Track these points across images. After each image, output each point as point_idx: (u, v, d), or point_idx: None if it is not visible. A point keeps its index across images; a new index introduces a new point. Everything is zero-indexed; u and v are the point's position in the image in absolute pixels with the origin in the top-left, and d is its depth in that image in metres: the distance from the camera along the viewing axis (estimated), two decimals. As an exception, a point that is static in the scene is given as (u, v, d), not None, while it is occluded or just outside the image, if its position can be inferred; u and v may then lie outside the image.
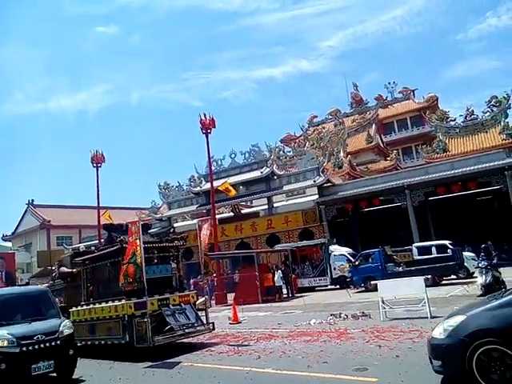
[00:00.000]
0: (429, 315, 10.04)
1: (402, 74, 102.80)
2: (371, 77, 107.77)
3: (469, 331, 4.76)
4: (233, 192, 27.47)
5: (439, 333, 5.09)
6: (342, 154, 35.41)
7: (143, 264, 9.78)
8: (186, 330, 10.03)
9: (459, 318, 5.03)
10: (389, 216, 25.95)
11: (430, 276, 15.97)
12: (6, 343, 7.16)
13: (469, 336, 4.72)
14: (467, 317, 5.00)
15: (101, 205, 33.31)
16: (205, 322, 10.70)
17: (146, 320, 9.32)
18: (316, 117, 52.03)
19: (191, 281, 26.04)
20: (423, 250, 19.43)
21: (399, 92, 49.83)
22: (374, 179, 27.56)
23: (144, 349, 9.39)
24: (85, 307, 11.30)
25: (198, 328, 10.33)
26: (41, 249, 47.58)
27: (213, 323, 10.82)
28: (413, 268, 17.31)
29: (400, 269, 18.15)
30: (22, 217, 55.17)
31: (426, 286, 10.87)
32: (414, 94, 49.48)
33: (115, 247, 10.62)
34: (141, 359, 9.10)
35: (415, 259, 19.14)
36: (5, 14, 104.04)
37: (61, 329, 7.81)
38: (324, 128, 44.52)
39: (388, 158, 38.19)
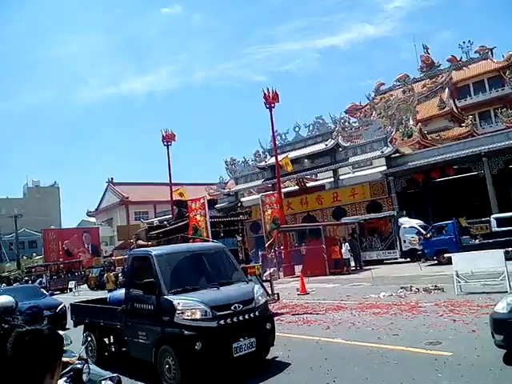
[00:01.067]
0: (508, 289, 9.52)
1: (478, 31, 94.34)
2: (443, 37, 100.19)
3: None
4: (290, 167, 27.45)
5: (502, 307, 5.04)
6: (411, 122, 33.68)
7: (210, 238, 10.37)
8: None
9: None
10: (464, 186, 24.48)
11: (510, 249, 15.00)
12: (198, 315, 5.41)
13: None
14: None
15: (173, 181, 34.90)
16: (270, 292, 11.10)
17: None
18: (383, 84, 49.58)
19: (260, 253, 26.69)
20: (503, 222, 18.14)
21: (475, 52, 45.75)
22: (447, 147, 25.99)
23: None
24: None
25: None
26: (121, 223, 51.31)
27: (278, 294, 11.21)
28: (491, 240, 16.34)
29: (476, 241, 17.25)
30: (104, 194, 59.52)
31: (506, 259, 10.29)
32: (491, 53, 45.17)
33: (184, 222, 11.31)
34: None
35: (494, 231, 18.00)
36: (71, 5, 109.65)
37: (255, 296, 6.10)
38: (392, 95, 42.39)
39: (463, 125, 35.65)
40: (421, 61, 48.13)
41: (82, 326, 7.63)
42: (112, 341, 7.15)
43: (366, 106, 45.75)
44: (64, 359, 3.35)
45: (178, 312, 5.42)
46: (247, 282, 6.64)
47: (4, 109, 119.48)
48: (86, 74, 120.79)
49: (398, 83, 46.91)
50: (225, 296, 5.81)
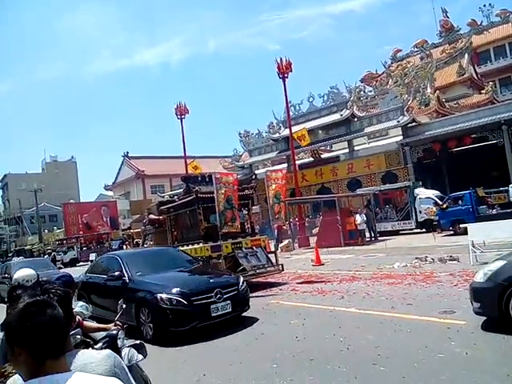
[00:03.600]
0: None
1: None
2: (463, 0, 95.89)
3: (507, 276, 5.00)
4: (307, 140, 27.17)
5: (480, 277, 5.37)
6: (429, 89, 32.79)
7: (220, 210, 10.88)
8: (257, 271, 10.97)
9: (499, 263, 5.29)
10: (482, 155, 24.01)
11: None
12: None
13: (507, 280, 4.96)
14: (507, 262, 5.23)
15: (188, 154, 35.04)
16: (275, 263, 11.56)
17: (220, 261, 10.48)
18: (400, 51, 48.09)
19: (275, 225, 26.95)
20: (522, 191, 17.94)
21: (496, 15, 43.75)
22: (465, 115, 25.40)
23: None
24: None
25: (268, 269, 11.23)
26: (137, 197, 52.13)
27: (282, 265, 11.62)
28: (509, 210, 16.16)
29: (493, 211, 17.09)
30: (120, 168, 60.18)
31: (523, 229, 10.20)
32: (514, 16, 43.24)
33: (191, 197, 11.59)
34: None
35: (512, 201, 17.82)
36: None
37: None
38: (409, 62, 41.12)
39: (482, 92, 34.60)
40: (440, 25, 46.35)
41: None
42: None
43: (382, 74, 44.59)
44: (101, 325, 3.54)
45: None
46: None
47: (20, 83, 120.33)
48: (99, 45, 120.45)
49: (416, 49, 45.46)
50: None
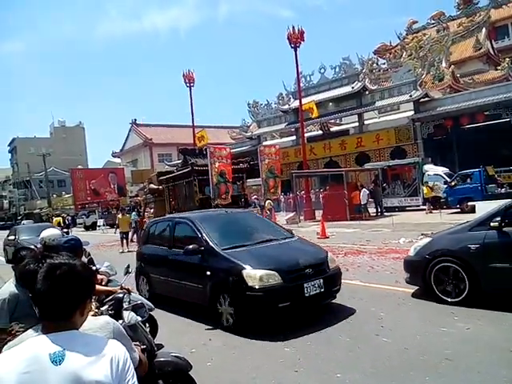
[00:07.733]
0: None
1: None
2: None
3: (431, 250, 5.76)
4: (315, 113, 26.84)
5: (411, 251, 6.16)
6: (443, 64, 32.00)
7: (213, 183, 11.14)
8: None
9: (427, 240, 6.08)
10: (494, 133, 23.59)
11: (537, 199, 14.73)
12: None
13: (430, 254, 5.73)
14: (433, 239, 6.02)
15: (196, 124, 34.82)
16: None
17: None
18: (416, 22, 46.60)
19: (287, 196, 27.65)
20: (532, 171, 17.75)
21: (519, -13, 42.06)
22: (479, 92, 24.86)
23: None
24: None
25: None
26: (145, 165, 52.31)
27: None
28: (518, 190, 16.09)
29: (502, 190, 16.98)
30: (128, 135, 60.05)
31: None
32: (537, -11, 41.50)
33: (188, 169, 11.89)
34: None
35: (521, 180, 17.66)
36: None
37: None
38: (424, 35, 39.94)
39: (498, 68, 33.71)
40: (459, -3, 44.73)
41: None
42: None
43: (397, 46, 43.44)
44: (107, 288, 3.65)
45: None
46: None
47: (30, 45, 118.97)
48: (109, 4, 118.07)
49: (433, 21, 44.07)
50: None
